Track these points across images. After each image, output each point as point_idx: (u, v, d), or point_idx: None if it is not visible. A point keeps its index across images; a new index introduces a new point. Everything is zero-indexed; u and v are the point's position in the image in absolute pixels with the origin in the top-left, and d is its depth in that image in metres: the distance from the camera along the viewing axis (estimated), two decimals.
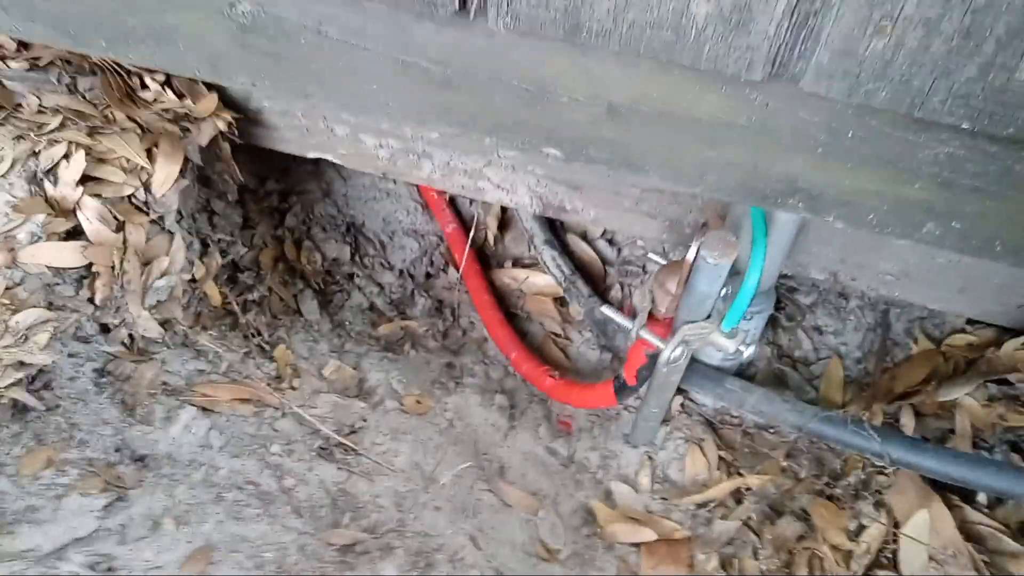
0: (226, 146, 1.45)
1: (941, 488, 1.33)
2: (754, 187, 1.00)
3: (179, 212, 1.39)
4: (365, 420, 1.39)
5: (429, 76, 1.00)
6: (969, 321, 1.54)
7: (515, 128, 1.03)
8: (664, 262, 1.22)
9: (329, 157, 1.51)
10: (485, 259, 1.84)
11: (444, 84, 1.00)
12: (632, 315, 1.21)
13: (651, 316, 1.19)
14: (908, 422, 1.43)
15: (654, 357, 1.27)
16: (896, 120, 0.86)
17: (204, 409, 1.29)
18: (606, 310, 1.20)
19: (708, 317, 1.13)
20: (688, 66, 0.86)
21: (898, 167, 0.91)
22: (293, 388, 1.41)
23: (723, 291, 1.14)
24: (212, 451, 1.24)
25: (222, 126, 1.39)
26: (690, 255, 1.04)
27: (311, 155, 1.52)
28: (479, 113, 1.03)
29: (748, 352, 1.12)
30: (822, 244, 1.36)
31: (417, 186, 1.89)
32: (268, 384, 1.39)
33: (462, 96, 1.01)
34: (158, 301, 1.34)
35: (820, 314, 1.57)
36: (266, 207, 1.71)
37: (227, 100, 1.43)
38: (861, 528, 1.30)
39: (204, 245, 1.45)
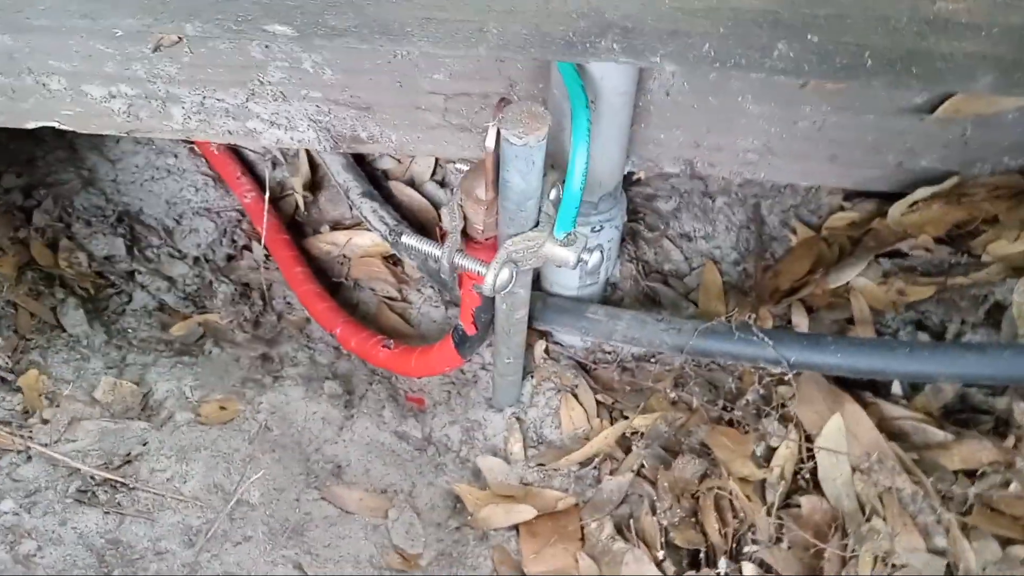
0: None
1: (851, 387, 1.14)
2: (552, 33, 0.75)
3: None
4: (145, 443, 1.08)
5: None
6: (847, 197, 1.36)
7: (220, 3, 0.75)
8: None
9: (54, 123, 1.18)
10: (299, 228, 1.54)
11: None
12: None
13: (469, 239, 0.93)
14: (800, 320, 1.24)
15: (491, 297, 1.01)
16: None
17: None
18: (406, 239, 0.93)
19: (537, 225, 0.88)
20: None
21: None
22: (44, 422, 1.08)
23: (552, 193, 0.90)
24: None
25: None
26: (489, 141, 0.78)
27: (30, 125, 1.18)
28: None
29: (592, 260, 0.88)
30: (669, 128, 1.14)
31: (206, 157, 1.57)
32: (8, 424, 1.06)
33: None
34: None
35: (686, 219, 1.36)
36: (1, 206, 1.35)
37: None
38: (771, 451, 1.09)
39: None
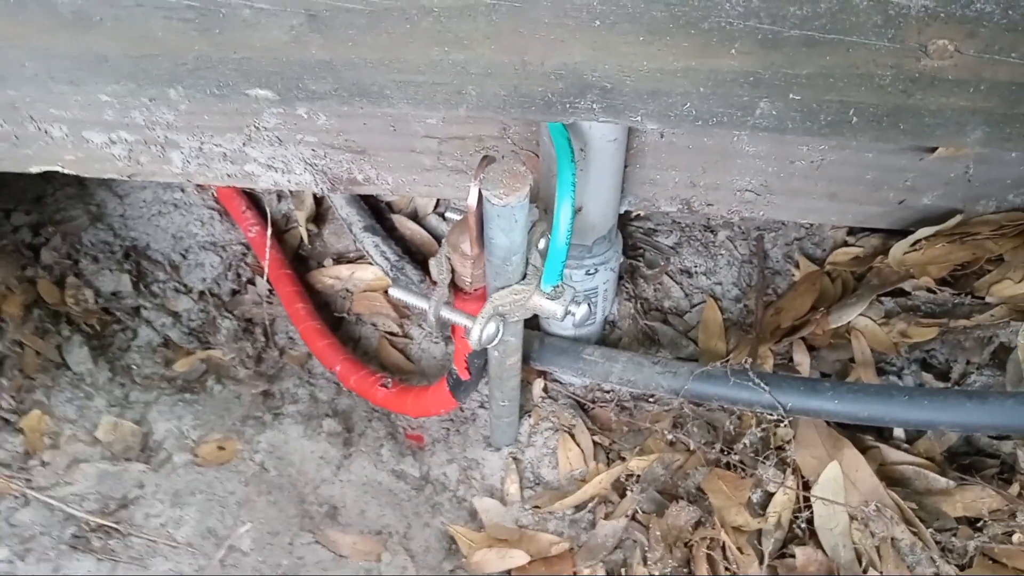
0: None
1: (851, 429, 1.12)
2: (531, 94, 0.75)
3: None
4: (143, 486, 1.09)
5: (56, 13, 0.71)
6: (851, 232, 1.34)
7: (199, 70, 0.76)
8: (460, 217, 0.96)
9: (57, 168, 1.20)
10: (303, 261, 1.55)
11: (79, 21, 0.72)
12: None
13: (458, 289, 0.93)
14: (802, 359, 1.22)
15: None
16: None
17: None
18: (394, 292, 0.93)
19: (524, 278, 0.88)
20: None
21: (703, 29, 0.67)
22: (44, 464, 1.09)
23: (540, 243, 0.89)
24: None
25: None
26: (471, 200, 0.78)
27: (33, 169, 1.20)
28: (143, 57, 0.75)
29: (580, 313, 0.87)
30: (665, 168, 1.13)
31: (214, 193, 1.59)
32: (8, 466, 1.07)
33: (112, 35, 0.73)
34: None
35: (687, 254, 1.34)
36: (9, 245, 1.38)
37: None
38: (768, 497, 1.07)
39: None
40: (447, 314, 0.89)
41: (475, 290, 0.93)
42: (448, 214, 0.97)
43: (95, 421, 1.20)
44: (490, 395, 1.12)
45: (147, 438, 1.18)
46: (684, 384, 1.10)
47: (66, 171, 1.20)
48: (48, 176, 1.55)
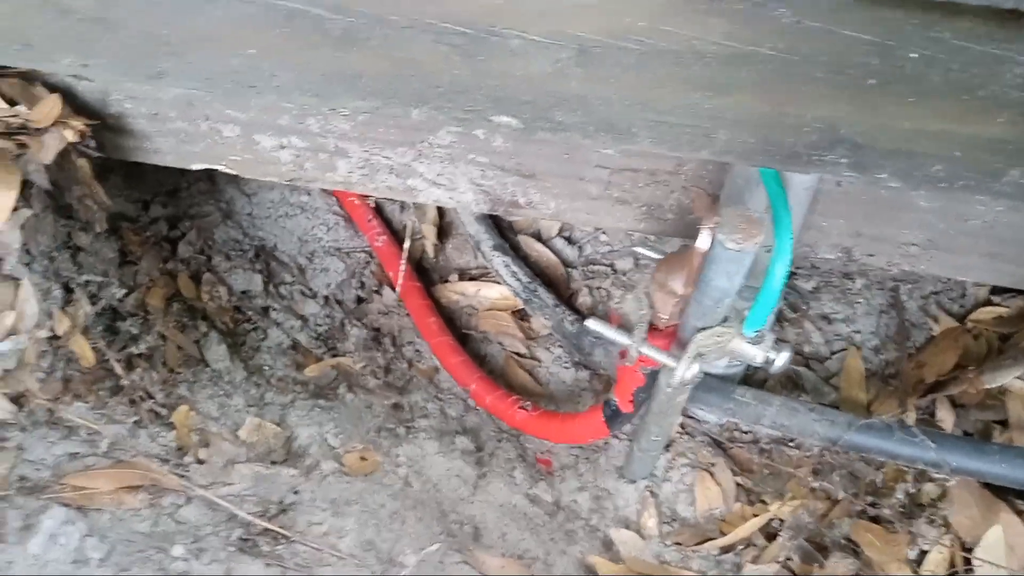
0: (83, 163, 1.13)
1: (1000, 491, 1.11)
2: (779, 143, 0.75)
3: (26, 251, 1.08)
4: (297, 492, 1.09)
5: (324, 30, 0.72)
6: (994, 291, 1.33)
7: (449, 93, 0.76)
8: (655, 255, 0.97)
9: (219, 167, 1.21)
10: (425, 274, 1.56)
11: (346, 40, 0.73)
12: (622, 326, 0.95)
13: (650, 326, 0.93)
14: (946, 416, 1.21)
15: (654, 375, 1.01)
16: (985, 25, 0.62)
17: (78, 508, 0.98)
18: (593, 324, 0.93)
19: (726, 320, 0.88)
20: None
21: (977, 95, 0.67)
22: (200, 462, 1.10)
23: None
24: (90, 566, 0.93)
25: (72, 136, 1.08)
26: (702, 243, 0.78)
27: (195, 167, 1.21)
28: (398, 76, 0.75)
29: (782, 360, 0.87)
30: (833, 216, 1.12)
31: (336, 196, 1.60)
32: (166, 461, 1.08)
33: (373, 55, 0.74)
34: (4, 370, 1.03)
35: (826, 300, 1.34)
36: (150, 237, 1.39)
37: (78, 104, 1.12)
38: (922, 555, 1.06)
39: (67, 291, 1.14)
40: (649, 351, 0.89)
41: (666, 328, 0.93)
42: (639, 250, 0.97)
43: (236, 420, 1.21)
44: (642, 428, 1.12)
45: (290, 443, 1.19)
46: (842, 434, 1.09)
47: (227, 170, 1.22)
48: (181, 169, 1.57)
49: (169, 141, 1.18)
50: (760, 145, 0.75)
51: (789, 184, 0.97)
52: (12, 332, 1.03)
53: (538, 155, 1.13)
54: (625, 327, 0.95)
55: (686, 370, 0.86)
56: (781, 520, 1.14)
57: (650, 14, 0.66)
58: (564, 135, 0.77)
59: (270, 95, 0.79)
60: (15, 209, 1.04)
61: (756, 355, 0.87)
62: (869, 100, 0.69)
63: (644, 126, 0.75)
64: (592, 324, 0.93)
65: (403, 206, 1.62)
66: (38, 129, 1.07)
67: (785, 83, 0.69)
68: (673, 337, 0.93)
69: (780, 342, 0.89)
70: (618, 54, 0.69)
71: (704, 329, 0.87)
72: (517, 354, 1.43)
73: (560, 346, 1.42)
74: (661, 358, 0.88)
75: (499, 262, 1.43)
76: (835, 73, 0.67)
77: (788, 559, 1.09)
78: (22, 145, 1.06)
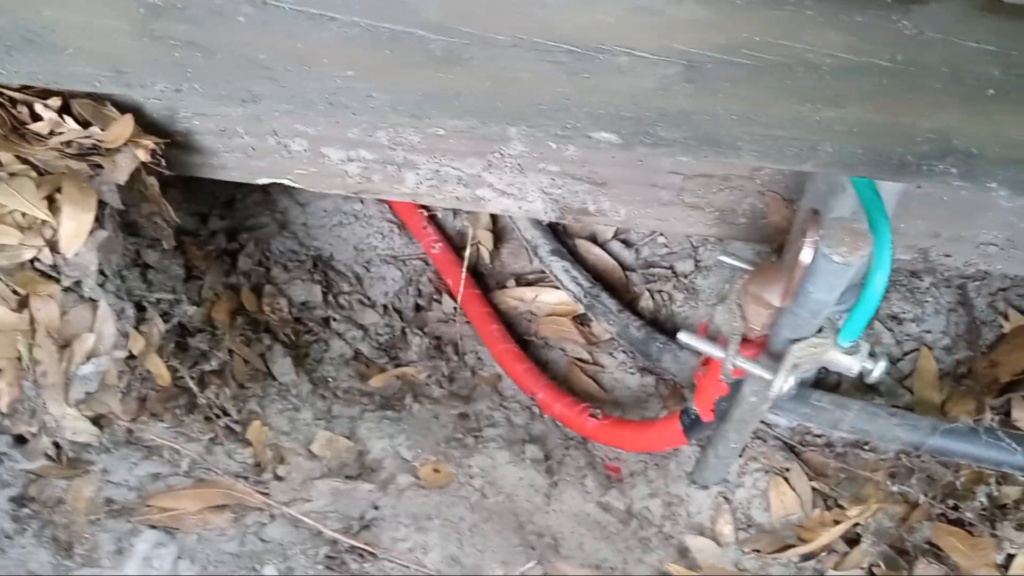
0: (152, 181, 1.13)
1: None
2: (889, 154, 0.73)
3: (101, 272, 1.08)
4: (377, 507, 1.09)
5: (426, 50, 0.71)
6: None
7: (550, 111, 0.75)
8: (741, 265, 0.96)
9: (285, 181, 1.21)
10: (481, 279, 1.55)
11: (447, 60, 0.72)
12: (711, 337, 0.94)
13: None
14: (1021, 416, 1.19)
15: (737, 384, 1.00)
16: None
17: (167, 529, 0.98)
18: (685, 337, 0.92)
19: (820, 331, 0.87)
20: None
21: None
22: (279, 478, 1.10)
23: None
24: None
25: (144, 156, 1.08)
26: (806, 256, 0.77)
27: (261, 181, 1.21)
28: (500, 95, 0.75)
29: (879, 370, 0.86)
30: (912, 218, 1.11)
31: (390, 205, 1.59)
32: (246, 478, 1.08)
33: (474, 74, 0.73)
34: (87, 393, 1.03)
35: (894, 299, 1.33)
36: (212, 250, 1.39)
37: (146, 122, 1.12)
38: (1009, 559, 1.05)
39: (140, 309, 1.14)
40: (745, 364, 0.88)
41: (757, 339, 0.92)
42: (725, 259, 0.96)
43: (307, 434, 1.21)
44: (720, 436, 1.11)
45: (363, 456, 1.19)
46: (925, 439, 1.08)
47: (293, 184, 1.21)
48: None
49: (236, 156, 1.18)
50: (868, 156, 0.74)
51: (880, 188, 0.96)
52: (92, 354, 1.04)
53: (610, 163, 1.12)
54: (712, 337, 0.94)
55: (783, 383, 0.85)
56: (858, 524, 1.13)
57: (766, 29, 0.65)
58: (664, 150, 0.76)
59: (365, 115, 0.78)
60: (91, 230, 1.04)
61: (852, 366, 0.86)
62: (985, 109, 0.68)
63: (749, 140, 0.74)
64: (684, 337, 0.92)
65: (455, 211, 1.61)
66: (110, 150, 1.07)
67: (900, 94, 0.68)
68: (763, 347, 0.92)
69: (875, 351, 0.88)
70: (729, 69, 0.68)
71: (799, 340, 0.86)
72: (580, 360, 1.42)
73: (624, 351, 1.41)
74: (757, 371, 0.87)
75: (558, 267, 1.43)
76: (953, 83, 0.66)
77: (873, 565, 1.08)
78: (95, 166, 1.06)
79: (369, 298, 1.50)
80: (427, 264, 1.56)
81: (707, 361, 1.02)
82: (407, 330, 1.44)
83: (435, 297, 1.51)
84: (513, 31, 0.69)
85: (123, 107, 1.09)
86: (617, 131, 0.76)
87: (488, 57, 0.71)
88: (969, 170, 0.74)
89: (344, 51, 0.72)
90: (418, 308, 1.51)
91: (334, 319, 1.44)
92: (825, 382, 1.27)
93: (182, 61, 0.76)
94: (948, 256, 1.16)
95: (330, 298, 1.47)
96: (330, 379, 1.35)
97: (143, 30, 0.73)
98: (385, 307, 1.50)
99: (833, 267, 0.76)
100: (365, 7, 0.69)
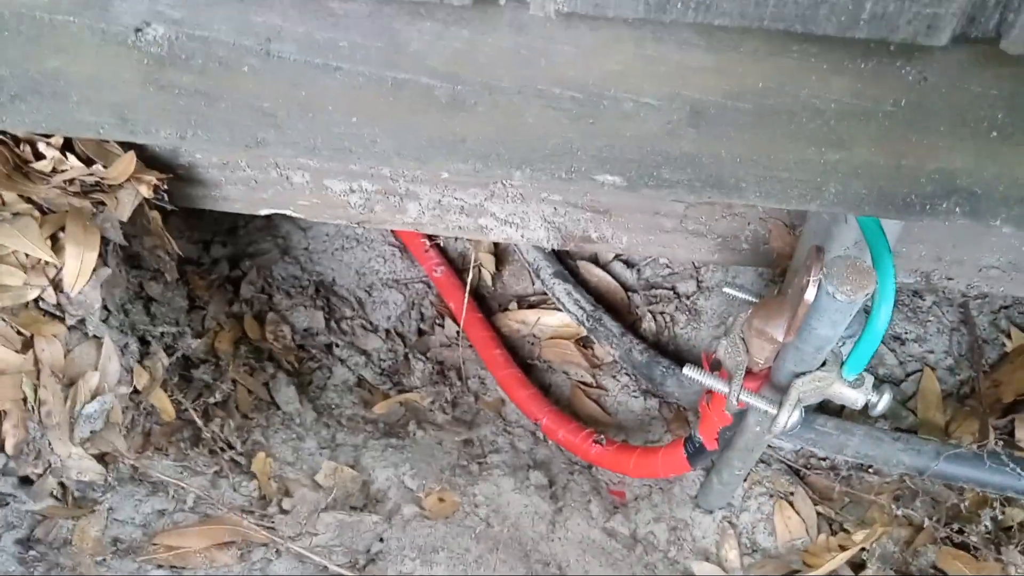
0: (155, 215, 1.13)
1: None
2: (893, 194, 0.74)
3: (104, 308, 1.08)
4: (383, 540, 1.09)
5: (431, 97, 0.72)
6: None
7: (555, 155, 0.75)
8: (746, 297, 0.96)
9: (287, 212, 1.21)
10: (483, 302, 1.55)
11: (452, 106, 0.72)
12: (714, 368, 0.94)
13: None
14: None
15: (741, 414, 1.00)
16: None
17: (172, 568, 0.98)
18: (690, 372, 0.92)
19: (824, 364, 0.87)
20: (821, 37, 0.60)
21: None
22: (284, 511, 1.10)
23: None
24: None
25: (146, 191, 1.08)
26: (809, 295, 0.78)
27: (263, 212, 1.21)
28: (504, 140, 0.75)
29: (883, 403, 0.86)
30: (913, 242, 1.11)
31: (393, 232, 1.59)
32: (251, 512, 1.08)
33: (479, 120, 0.73)
34: (92, 431, 1.03)
35: (897, 319, 1.33)
36: (215, 279, 1.39)
37: (148, 157, 1.12)
38: None
39: (143, 343, 1.14)
40: (749, 399, 0.88)
41: (760, 372, 0.92)
42: (729, 291, 0.97)
43: (312, 465, 1.21)
44: (724, 463, 1.11)
45: (367, 487, 1.19)
46: (929, 463, 1.08)
47: (295, 215, 1.21)
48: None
49: (238, 189, 1.18)
50: (872, 196, 0.74)
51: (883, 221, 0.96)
52: (97, 392, 1.03)
53: (614, 192, 1.12)
54: (716, 369, 0.94)
55: (788, 417, 0.85)
56: (864, 550, 1.14)
57: (771, 76, 0.66)
58: (668, 191, 0.77)
59: (369, 160, 0.78)
60: (95, 268, 1.04)
61: (857, 399, 0.86)
62: (989, 151, 0.68)
63: (753, 181, 0.75)
64: (689, 371, 0.92)
65: (457, 237, 1.61)
66: (113, 186, 1.07)
67: (905, 136, 0.68)
68: (766, 379, 0.93)
69: (879, 384, 0.88)
70: (733, 114, 0.69)
71: (803, 374, 0.87)
72: (583, 383, 1.42)
73: (627, 374, 1.41)
74: (762, 406, 0.87)
75: (560, 290, 1.43)
76: (957, 125, 0.67)
77: None
78: (98, 203, 1.06)
79: (371, 323, 1.50)
80: (429, 287, 1.56)
81: (710, 391, 1.03)
82: (410, 355, 1.44)
83: (437, 321, 1.51)
84: (519, 79, 0.69)
85: (126, 144, 1.09)
86: (621, 174, 0.76)
87: (493, 104, 0.71)
88: (973, 208, 0.74)
89: (349, 98, 0.72)
90: (420, 332, 1.51)
91: (337, 345, 1.44)
92: (828, 406, 1.28)
93: (187, 109, 0.76)
94: (950, 279, 1.16)
95: (332, 324, 1.47)
96: (334, 406, 1.35)
97: (148, 79, 0.73)
98: (388, 332, 1.50)
99: (837, 304, 0.76)
100: (371, 55, 0.69)
